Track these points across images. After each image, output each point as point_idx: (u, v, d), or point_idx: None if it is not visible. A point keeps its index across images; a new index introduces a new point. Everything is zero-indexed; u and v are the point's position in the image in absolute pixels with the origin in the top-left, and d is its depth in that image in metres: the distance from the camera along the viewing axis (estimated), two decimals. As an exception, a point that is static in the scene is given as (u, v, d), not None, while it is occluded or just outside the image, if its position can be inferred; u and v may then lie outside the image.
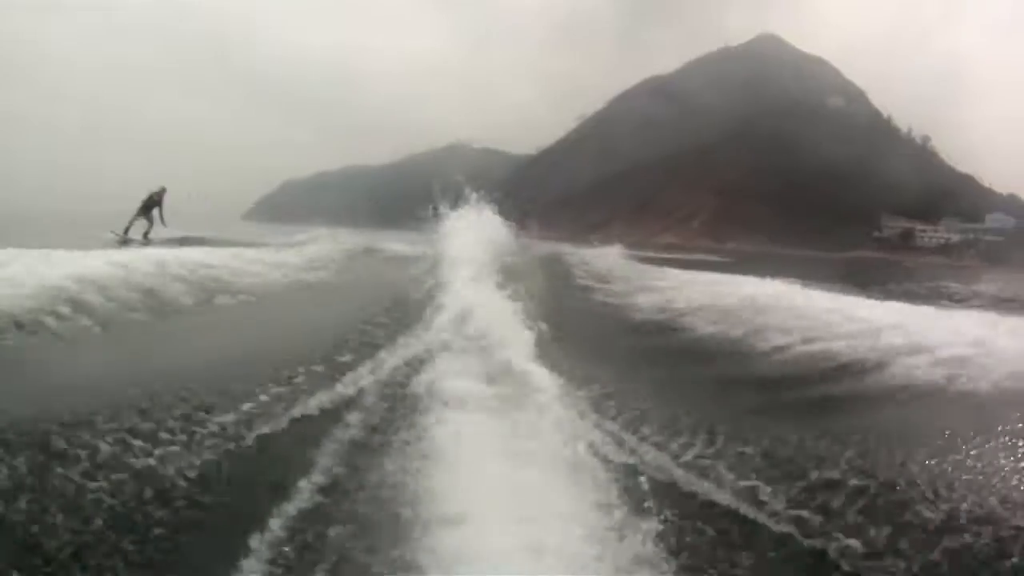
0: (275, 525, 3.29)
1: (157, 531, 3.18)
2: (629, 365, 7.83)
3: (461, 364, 6.06)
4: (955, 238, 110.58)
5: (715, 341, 9.15)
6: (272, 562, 3.05)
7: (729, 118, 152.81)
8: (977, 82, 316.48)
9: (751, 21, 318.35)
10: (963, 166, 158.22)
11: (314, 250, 20.52)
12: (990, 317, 8.08)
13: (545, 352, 6.91)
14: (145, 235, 20.13)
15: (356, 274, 16.98)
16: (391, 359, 6.49)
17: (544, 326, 8.31)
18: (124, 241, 19.15)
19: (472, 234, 15.27)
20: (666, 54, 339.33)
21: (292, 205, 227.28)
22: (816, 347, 7.51)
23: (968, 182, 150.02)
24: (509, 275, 12.00)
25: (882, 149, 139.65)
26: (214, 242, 18.65)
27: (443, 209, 16.99)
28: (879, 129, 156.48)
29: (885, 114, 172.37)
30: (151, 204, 21.17)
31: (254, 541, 3.15)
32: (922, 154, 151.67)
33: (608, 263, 23.12)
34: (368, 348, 6.90)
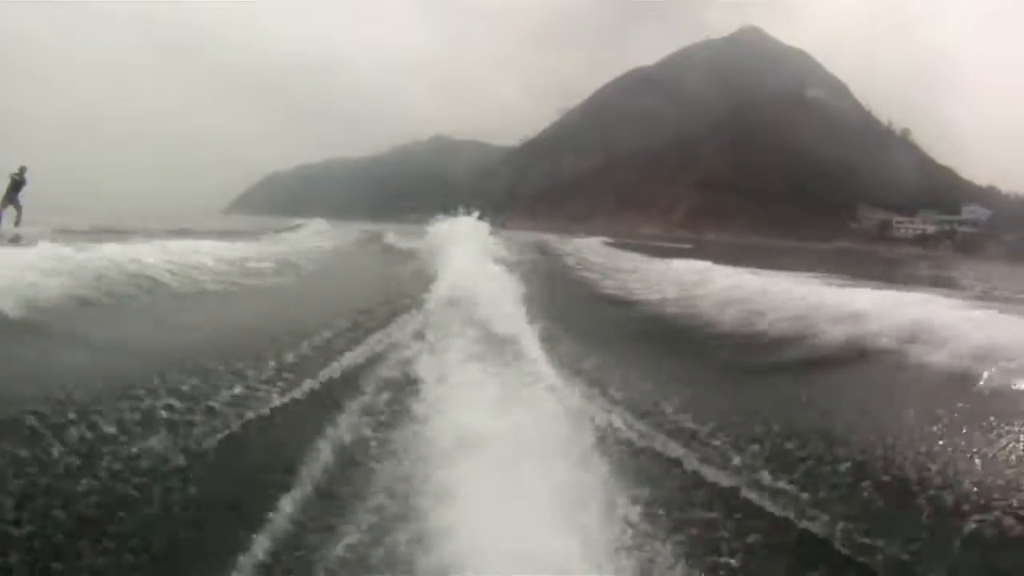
0: (273, 517, 3.23)
1: (152, 521, 3.12)
2: (605, 336, 8.65)
3: (458, 343, 6.16)
4: (931, 229, 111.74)
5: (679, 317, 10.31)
6: (270, 555, 2.99)
7: (710, 110, 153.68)
8: (963, 74, 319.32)
9: (735, 12, 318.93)
10: (945, 158, 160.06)
11: (310, 239, 20.98)
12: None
13: (537, 328, 7.33)
14: (16, 223, 18.70)
15: (355, 262, 18.14)
16: (391, 339, 6.71)
17: (532, 305, 8.89)
18: None
19: (461, 233, 17.23)
20: (651, 46, 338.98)
21: (276, 198, 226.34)
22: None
23: (947, 174, 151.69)
24: (502, 262, 12.95)
25: (862, 141, 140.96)
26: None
27: (439, 216, 19.36)
28: (859, 121, 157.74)
29: (866, 107, 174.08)
30: (16, 187, 19.54)
31: (252, 533, 3.08)
32: (902, 146, 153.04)
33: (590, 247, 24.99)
34: (366, 330, 7.14)
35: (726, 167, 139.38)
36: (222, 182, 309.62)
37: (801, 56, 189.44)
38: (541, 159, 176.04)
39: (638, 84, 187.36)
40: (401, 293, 9.86)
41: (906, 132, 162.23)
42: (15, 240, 14.10)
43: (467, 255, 13.27)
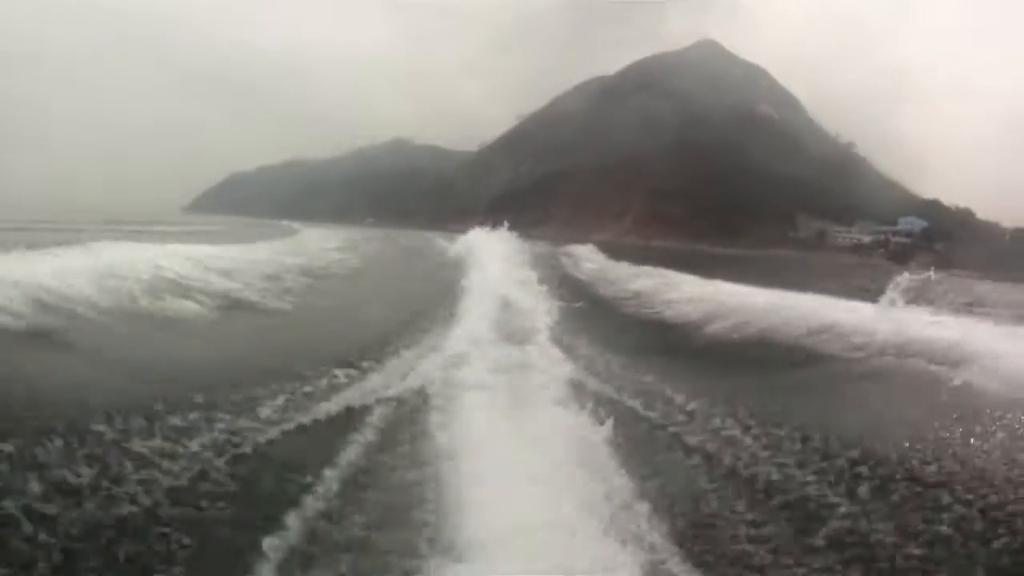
0: (292, 523, 3.36)
1: (176, 529, 3.26)
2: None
3: (484, 353, 6.44)
4: (866, 239, 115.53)
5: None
6: (288, 560, 3.13)
7: (663, 122, 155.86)
8: (922, 91, 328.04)
9: (697, 22, 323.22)
10: (896, 172, 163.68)
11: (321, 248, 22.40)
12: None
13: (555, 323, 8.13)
14: None
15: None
16: (414, 354, 7.08)
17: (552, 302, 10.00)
18: None
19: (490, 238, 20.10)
20: (612, 54, 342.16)
21: (237, 199, 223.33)
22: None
23: (893, 187, 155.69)
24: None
25: (807, 154, 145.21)
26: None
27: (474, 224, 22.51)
28: (806, 135, 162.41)
29: (817, 121, 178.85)
30: None
31: (269, 540, 3.20)
32: (848, 160, 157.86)
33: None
34: (391, 346, 7.56)
35: (675, 178, 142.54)
36: (182, 180, 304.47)
37: (755, 70, 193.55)
38: (499, 165, 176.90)
39: (596, 94, 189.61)
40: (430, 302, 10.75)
41: (850, 145, 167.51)
42: None
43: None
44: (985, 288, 40.81)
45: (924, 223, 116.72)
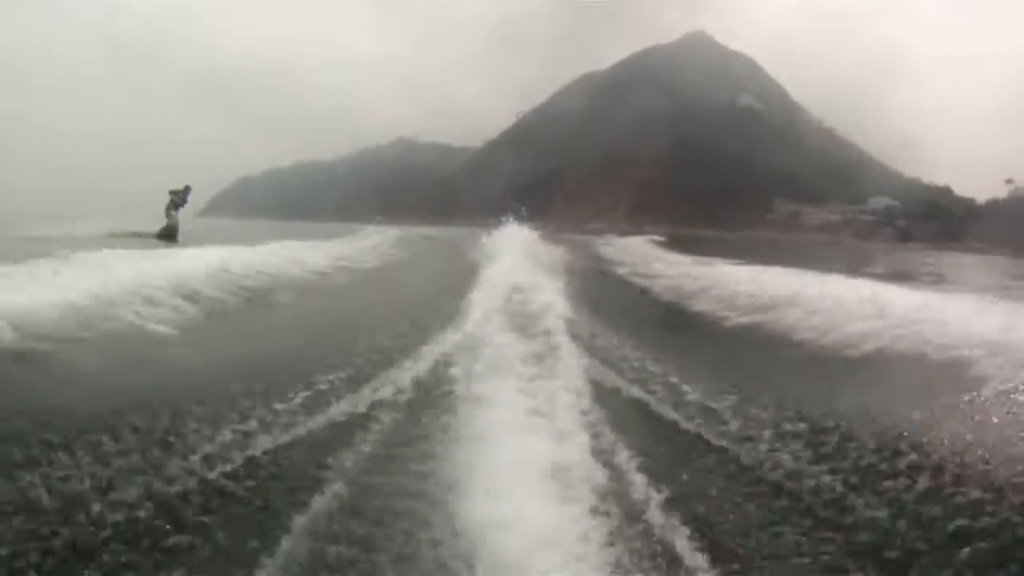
0: (300, 523, 3.24)
1: (180, 533, 3.12)
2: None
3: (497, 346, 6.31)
4: (836, 218, 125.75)
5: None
6: (295, 563, 2.99)
7: (652, 115, 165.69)
8: (912, 71, 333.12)
9: (687, 15, 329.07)
10: (882, 151, 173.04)
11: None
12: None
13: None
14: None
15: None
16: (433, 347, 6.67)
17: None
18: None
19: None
20: (605, 48, 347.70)
21: (248, 202, 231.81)
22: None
23: (874, 167, 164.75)
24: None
25: (787, 141, 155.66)
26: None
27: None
28: (787, 123, 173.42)
29: (803, 107, 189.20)
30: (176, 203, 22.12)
31: (276, 543, 3.08)
32: (830, 144, 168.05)
33: None
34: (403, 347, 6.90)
35: (663, 168, 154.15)
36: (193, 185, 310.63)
37: (743, 61, 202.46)
38: (500, 162, 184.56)
39: (590, 89, 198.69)
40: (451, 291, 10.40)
41: (831, 130, 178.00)
42: None
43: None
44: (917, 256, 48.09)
45: (892, 201, 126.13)
